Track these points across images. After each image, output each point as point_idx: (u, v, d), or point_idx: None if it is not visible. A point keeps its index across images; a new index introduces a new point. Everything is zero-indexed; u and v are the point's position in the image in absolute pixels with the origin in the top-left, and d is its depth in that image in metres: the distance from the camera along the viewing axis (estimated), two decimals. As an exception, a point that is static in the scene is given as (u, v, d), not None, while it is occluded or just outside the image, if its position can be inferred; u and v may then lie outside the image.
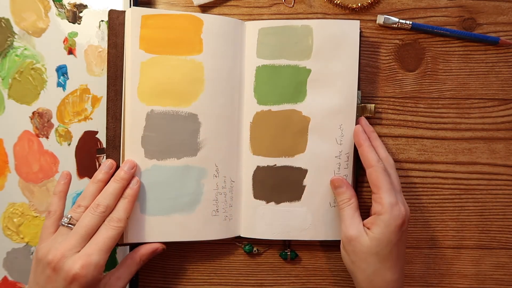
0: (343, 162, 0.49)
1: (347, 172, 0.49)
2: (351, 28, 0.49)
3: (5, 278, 0.49)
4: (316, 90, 0.49)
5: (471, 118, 0.52)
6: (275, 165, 0.49)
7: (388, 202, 0.43)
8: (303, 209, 0.49)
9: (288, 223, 0.49)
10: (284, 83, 0.49)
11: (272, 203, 0.49)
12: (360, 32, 0.49)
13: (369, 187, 0.50)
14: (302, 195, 0.49)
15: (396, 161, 0.49)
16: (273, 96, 0.49)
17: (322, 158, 0.49)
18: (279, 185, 0.49)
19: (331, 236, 0.49)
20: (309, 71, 0.49)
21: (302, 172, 0.49)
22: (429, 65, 0.52)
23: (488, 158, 0.52)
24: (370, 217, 0.45)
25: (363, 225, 0.45)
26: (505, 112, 0.52)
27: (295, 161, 0.49)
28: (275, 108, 0.49)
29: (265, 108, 0.49)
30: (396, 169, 0.47)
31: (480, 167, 0.52)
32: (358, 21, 0.48)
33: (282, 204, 0.49)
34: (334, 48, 0.49)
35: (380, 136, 0.51)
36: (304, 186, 0.49)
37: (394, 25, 0.51)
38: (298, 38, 0.49)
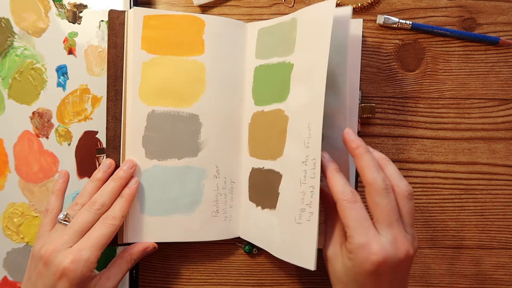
0: (309, 170, 0.39)
1: (313, 183, 0.38)
2: (325, 10, 0.40)
3: (5, 278, 0.49)
4: (297, 86, 0.43)
5: (471, 118, 0.52)
6: (263, 167, 0.46)
7: (356, 242, 0.36)
8: (275, 220, 0.43)
9: (270, 232, 0.44)
10: (273, 81, 0.46)
11: (259, 208, 0.46)
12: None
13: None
14: (277, 204, 0.44)
15: (396, 161, 0.49)
16: (265, 96, 0.47)
17: (292, 163, 0.41)
18: (264, 189, 0.46)
19: (293, 260, 0.40)
20: (292, 65, 0.44)
21: (278, 177, 0.44)
22: (429, 65, 0.52)
23: (488, 158, 0.52)
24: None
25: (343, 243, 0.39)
26: (505, 112, 0.52)
27: (275, 165, 0.44)
28: (267, 108, 0.47)
29: (260, 108, 0.48)
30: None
31: (480, 167, 0.52)
32: (334, 0, 0.39)
33: (265, 210, 0.45)
34: (313, 37, 0.42)
35: (380, 136, 0.51)
36: (278, 194, 0.44)
37: (394, 25, 0.51)
38: (286, 33, 0.46)
